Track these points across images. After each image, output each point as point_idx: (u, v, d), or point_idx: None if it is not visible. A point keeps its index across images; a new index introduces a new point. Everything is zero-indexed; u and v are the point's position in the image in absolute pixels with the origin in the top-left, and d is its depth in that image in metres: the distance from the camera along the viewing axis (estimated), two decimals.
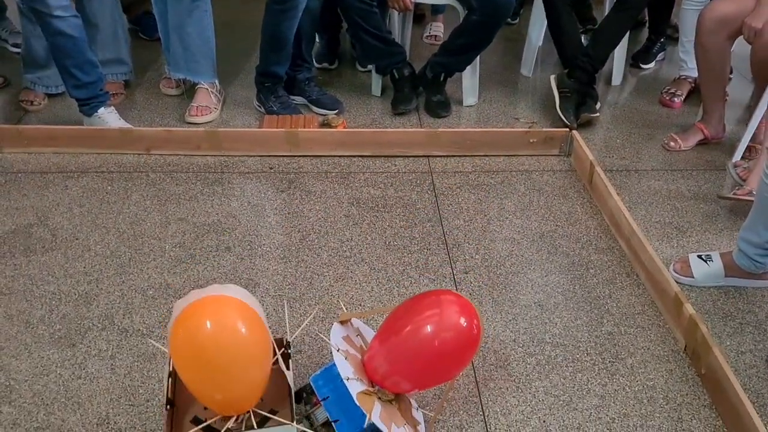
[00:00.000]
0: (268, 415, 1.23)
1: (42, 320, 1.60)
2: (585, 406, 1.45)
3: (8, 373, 1.47)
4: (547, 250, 1.90)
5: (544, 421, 1.41)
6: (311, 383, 1.32)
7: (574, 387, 1.49)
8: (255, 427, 1.20)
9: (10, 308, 1.63)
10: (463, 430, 1.39)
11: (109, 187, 2.11)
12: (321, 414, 1.31)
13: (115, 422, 1.37)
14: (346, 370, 1.24)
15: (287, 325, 1.39)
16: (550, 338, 1.61)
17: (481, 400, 1.45)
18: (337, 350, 1.26)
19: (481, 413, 1.43)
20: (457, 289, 1.73)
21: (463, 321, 1.22)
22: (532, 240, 1.93)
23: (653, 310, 1.70)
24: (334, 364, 1.25)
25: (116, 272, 1.76)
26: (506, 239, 1.93)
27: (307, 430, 1.24)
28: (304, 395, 1.34)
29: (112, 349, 1.54)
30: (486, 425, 1.40)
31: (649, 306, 1.72)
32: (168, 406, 1.23)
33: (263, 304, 1.66)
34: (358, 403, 1.21)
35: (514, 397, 1.46)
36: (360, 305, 1.68)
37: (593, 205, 2.09)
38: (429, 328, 1.22)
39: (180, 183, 2.14)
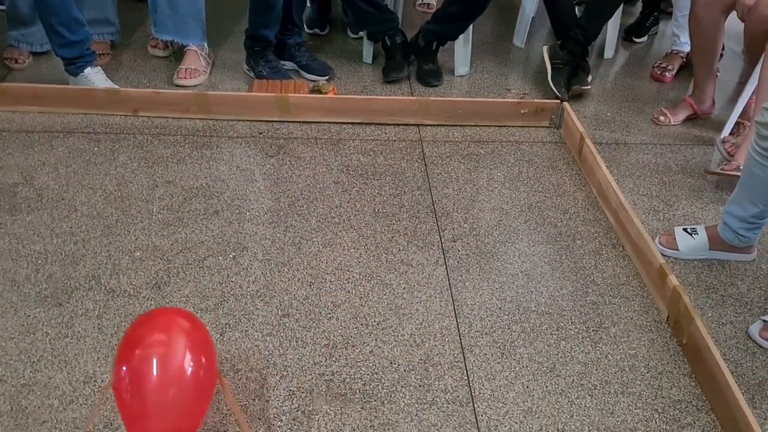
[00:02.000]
0: None
1: (28, 279, 1.60)
2: (568, 372, 1.48)
3: None
4: (535, 220, 1.91)
5: (527, 387, 1.44)
6: None
7: (557, 354, 1.52)
8: None
9: None
10: (448, 393, 1.41)
11: (95, 148, 2.09)
12: None
13: (102, 380, 1.38)
14: None
15: None
16: (535, 307, 1.63)
17: (466, 366, 1.47)
18: None
19: (465, 378, 1.45)
20: (444, 258, 1.74)
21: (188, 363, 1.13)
22: (520, 210, 1.94)
23: (638, 281, 1.73)
24: None
25: (103, 233, 1.75)
26: (495, 209, 1.94)
27: None
28: None
29: (99, 309, 1.53)
30: (471, 390, 1.42)
31: (634, 277, 1.74)
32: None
33: (251, 270, 1.66)
34: None
35: (498, 363, 1.49)
36: (348, 270, 1.69)
37: (582, 177, 2.10)
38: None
39: (168, 146, 2.12)
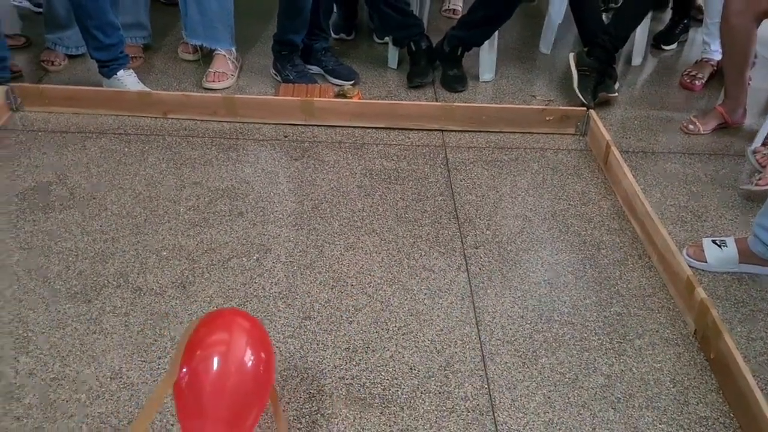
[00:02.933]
0: None
1: (59, 276, 1.63)
2: (591, 384, 1.46)
3: (26, 325, 1.50)
4: (558, 228, 1.90)
5: (548, 397, 1.43)
6: None
7: (580, 365, 1.51)
8: None
9: (29, 263, 1.66)
10: (468, 401, 1.41)
11: (126, 149, 2.13)
12: None
13: (128, 377, 1.40)
14: None
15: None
16: (558, 316, 1.62)
17: (486, 374, 1.47)
18: None
19: (486, 386, 1.44)
20: (466, 264, 1.74)
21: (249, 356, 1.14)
22: (543, 218, 1.94)
23: (664, 293, 1.71)
24: None
25: (131, 232, 1.78)
26: (518, 216, 1.94)
27: None
28: None
29: (127, 306, 1.56)
30: (491, 398, 1.42)
31: (660, 289, 1.72)
32: None
33: (274, 272, 1.68)
34: None
35: (519, 372, 1.48)
36: (369, 274, 1.69)
37: (607, 186, 2.09)
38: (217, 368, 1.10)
39: (196, 147, 2.15)
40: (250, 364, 1.13)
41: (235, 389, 1.11)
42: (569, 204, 2.00)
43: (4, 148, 2.09)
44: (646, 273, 1.76)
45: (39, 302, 1.56)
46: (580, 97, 2.43)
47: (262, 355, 1.16)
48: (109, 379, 1.40)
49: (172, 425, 1.31)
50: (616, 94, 2.52)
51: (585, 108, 2.34)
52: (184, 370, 1.12)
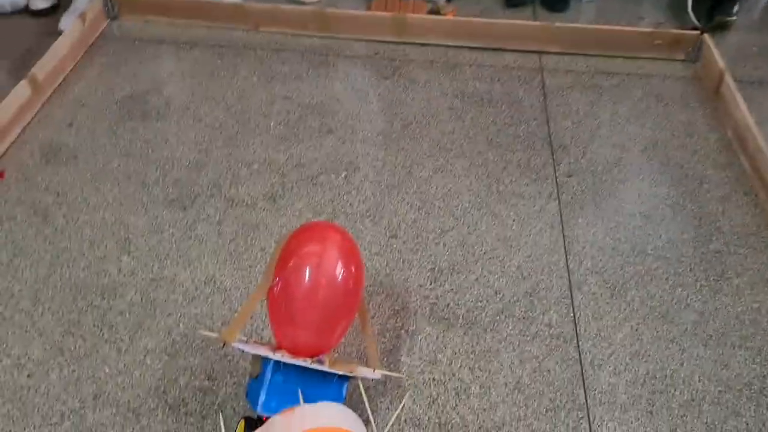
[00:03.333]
0: None
1: (156, 182, 1.70)
2: (682, 320, 1.42)
3: (127, 228, 1.58)
4: (659, 160, 1.80)
5: (636, 330, 1.40)
6: (264, 413, 1.12)
7: (672, 300, 1.46)
8: None
9: (129, 169, 1.74)
10: (552, 328, 1.39)
11: (218, 62, 2.15)
12: None
13: (221, 282, 1.47)
14: (285, 358, 1.11)
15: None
16: (652, 250, 1.56)
17: (572, 303, 1.45)
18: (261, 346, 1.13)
19: (571, 315, 1.42)
20: (558, 192, 1.69)
21: (340, 269, 1.12)
22: (643, 148, 1.84)
23: None
24: (264, 381, 1.12)
25: (224, 144, 1.82)
26: (616, 145, 1.85)
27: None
28: None
29: (220, 215, 1.62)
30: (576, 327, 1.40)
31: (765, 227, 1.62)
32: None
33: (362, 190, 1.69)
34: (333, 370, 1.12)
35: (607, 303, 1.45)
36: (458, 197, 1.68)
37: (717, 118, 1.95)
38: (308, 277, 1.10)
39: (286, 62, 2.15)
40: (340, 277, 1.15)
41: (325, 301, 1.14)
42: (672, 135, 1.89)
43: (103, 56, 2.15)
44: (751, 211, 1.66)
45: (138, 207, 1.63)
46: (694, 19, 2.26)
47: (353, 268, 1.17)
48: (203, 283, 1.47)
49: (262, 330, 1.37)
50: (735, 17, 2.32)
51: (698, 32, 2.17)
52: (277, 279, 1.15)
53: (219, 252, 1.53)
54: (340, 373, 1.14)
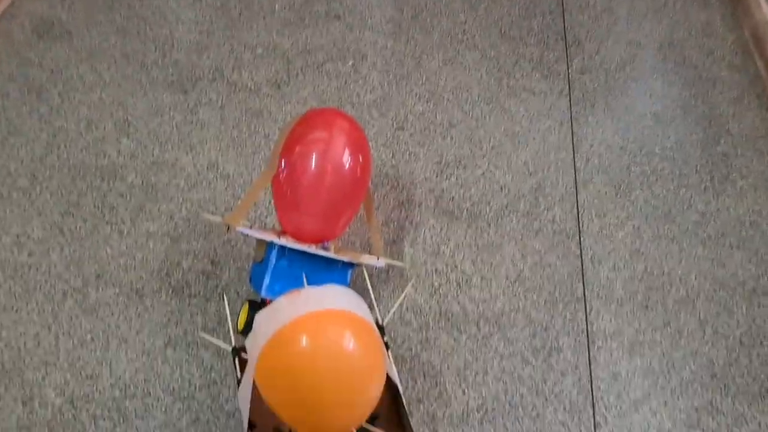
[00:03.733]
0: (370, 427, 0.99)
1: (156, 63, 1.64)
2: (683, 220, 1.43)
3: (126, 109, 1.54)
4: (674, 59, 1.76)
5: (638, 228, 1.41)
6: (268, 296, 1.15)
7: (675, 201, 1.46)
8: None
9: (126, 47, 1.67)
10: (556, 224, 1.40)
11: None
12: None
13: (224, 168, 1.44)
14: (290, 243, 1.11)
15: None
16: (659, 150, 1.55)
17: (577, 199, 1.45)
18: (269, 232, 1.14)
19: (575, 212, 1.43)
20: (569, 89, 1.65)
21: (347, 157, 1.12)
22: (659, 47, 1.79)
23: None
24: (269, 266, 1.13)
25: (227, 25, 1.75)
26: (631, 42, 1.79)
27: None
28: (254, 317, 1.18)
29: (222, 100, 1.57)
30: (579, 223, 1.41)
31: None
32: (250, 430, 1.01)
33: (369, 80, 1.64)
34: (338, 257, 1.13)
35: (611, 202, 1.45)
36: (467, 91, 1.63)
37: (736, 18, 1.88)
38: (315, 163, 1.10)
39: None
40: (347, 164, 1.13)
41: (330, 187, 1.12)
42: (689, 34, 1.83)
43: None
44: (761, 114, 1.64)
45: (137, 88, 1.58)
46: None
47: (360, 157, 1.15)
48: (205, 169, 1.44)
49: (266, 217, 1.37)
50: None
51: None
52: (283, 165, 1.13)
53: (221, 137, 1.50)
54: (345, 259, 1.15)
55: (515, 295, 1.29)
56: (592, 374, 1.20)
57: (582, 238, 1.38)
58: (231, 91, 1.59)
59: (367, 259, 1.20)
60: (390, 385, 1.05)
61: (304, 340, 0.88)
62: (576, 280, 1.32)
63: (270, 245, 1.14)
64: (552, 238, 1.38)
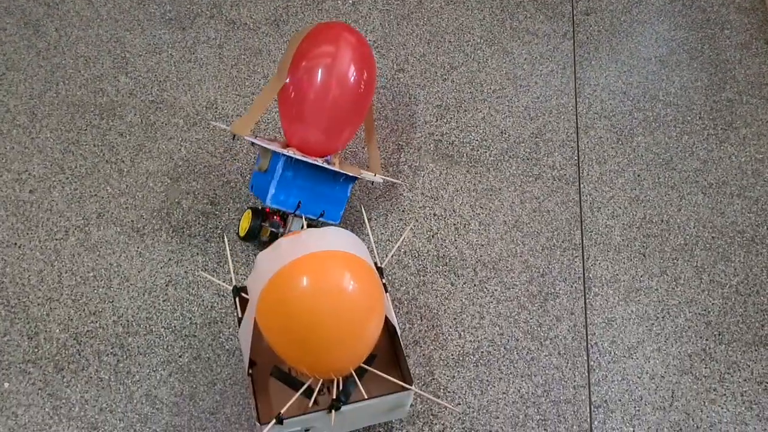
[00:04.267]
0: (368, 368, 1.01)
1: None
2: (684, 167, 1.42)
3: (123, 46, 1.51)
4: (681, 1, 1.71)
5: (638, 175, 1.40)
6: (272, 205, 1.19)
7: (677, 147, 1.45)
8: (357, 384, 0.98)
9: None
10: (555, 170, 1.40)
11: None
12: (296, 223, 1.22)
13: (222, 108, 1.43)
14: (297, 155, 1.15)
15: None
16: (663, 96, 1.53)
17: (578, 145, 1.44)
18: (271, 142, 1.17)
19: (575, 158, 1.42)
20: (573, 31, 1.62)
21: (352, 72, 1.14)
22: None
23: None
24: (275, 175, 1.16)
25: None
26: None
27: (427, 396, 1.09)
28: (259, 223, 1.22)
29: (220, 38, 1.54)
30: (579, 169, 1.40)
31: None
32: (250, 369, 1.02)
33: (370, 19, 1.60)
34: (341, 170, 1.17)
35: (612, 148, 1.44)
36: (469, 32, 1.60)
37: None
38: (321, 78, 1.12)
39: None
40: (352, 79, 1.14)
41: (334, 101, 1.13)
42: None
43: None
44: None
45: (135, 24, 1.55)
46: None
47: (365, 73, 1.15)
48: (204, 108, 1.43)
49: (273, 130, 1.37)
50: None
51: None
52: (289, 78, 1.14)
53: (220, 77, 1.48)
54: (347, 173, 1.18)
55: (513, 240, 1.30)
56: (588, 320, 1.23)
57: (581, 185, 1.38)
58: (229, 29, 1.55)
59: (366, 174, 1.22)
60: (388, 327, 1.07)
61: (305, 280, 0.89)
62: (574, 227, 1.33)
63: (276, 155, 1.17)
64: (551, 184, 1.38)
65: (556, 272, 1.27)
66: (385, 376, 1.00)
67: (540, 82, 1.53)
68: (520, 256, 1.28)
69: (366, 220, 1.12)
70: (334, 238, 0.95)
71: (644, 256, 1.30)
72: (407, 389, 0.99)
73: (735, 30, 1.66)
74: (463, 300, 1.23)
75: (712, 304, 1.26)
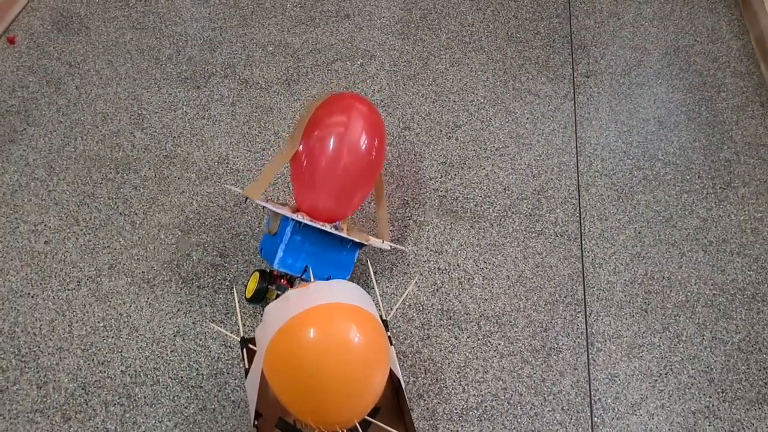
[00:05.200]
0: (371, 420, 1.01)
1: (170, 59, 1.67)
2: (685, 225, 1.45)
3: (140, 103, 1.57)
4: (679, 65, 1.78)
5: (639, 232, 1.43)
6: (279, 269, 1.21)
7: (677, 206, 1.48)
8: None
9: (141, 43, 1.70)
10: (558, 227, 1.43)
11: None
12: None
13: (234, 163, 1.48)
14: (305, 219, 1.18)
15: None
16: (662, 156, 1.57)
17: (579, 202, 1.47)
18: (281, 206, 1.21)
19: (577, 215, 1.45)
20: (574, 93, 1.68)
21: (364, 140, 1.18)
22: (664, 52, 1.81)
23: None
24: (283, 239, 1.19)
25: (239, 23, 1.78)
26: (637, 48, 1.81)
27: None
28: (266, 286, 1.24)
29: (233, 96, 1.60)
30: (581, 226, 1.43)
31: None
32: (256, 421, 1.04)
33: (377, 80, 1.67)
34: (349, 236, 1.19)
35: (613, 205, 1.47)
36: (473, 92, 1.66)
37: (742, 25, 1.90)
38: (333, 146, 1.17)
39: None
40: (363, 147, 1.17)
41: (345, 169, 1.17)
42: (695, 40, 1.85)
43: None
44: (765, 122, 1.66)
45: (152, 83, 1.62)
46: None
47: (376, 141, 1.20)
48: (216, 163, 1.48)
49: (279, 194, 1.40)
50: None
51: None
52: (302, 145, 1.18)
53: (232, 133, 1.53)
54: (355, 240, 1.20)
55: (516, 295, 1.32)
56: (591, 375, 1.23)
57: (583, 241, 1.41)
58: (242, 88, 1.62)
59: (373, 241, 1.25)
60: (392, 379, 1.08)
61: (312, 332, 0.91)
62: (576, 283, 1.35)
63: (285, 220, 1.20)
64: (554, 240, 1.41)
65: (559, 327, 1.28)
66: (389, 429, 1.00)
67: (542, 140, 1.58)
68: (523, 311, 1.30)
69: (372, 273, 1.15)
70: (341, 291, 0.97)
71: (646, 312, 1.32)
72: None
73: (731, 93, 1.72)
74: (467, 354, 1.24)
75: (715, 361, 1.26)
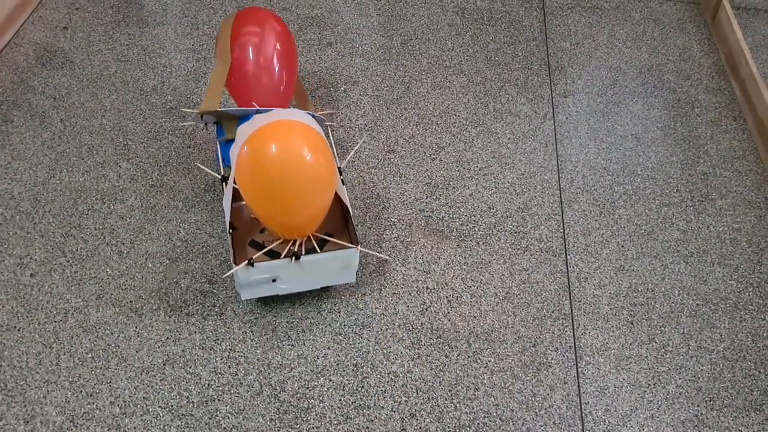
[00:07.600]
0: (327, 237, 1.26)
1: (155, 90, 1.69)
2: (666, 238, 1.48)
3: (126, 134, 1.58)
4: (653, 83, 1.82)
5: (622, 246, 1.46)
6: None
7: (657, 219, 1.51)
8: (317, 250, 1.23)
9: (126, 75, 1.72)
10: (543, 243, 1.45)
11: None
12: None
13: (221, 191, 1.49)
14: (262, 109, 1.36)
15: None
16: (641, 171, 1.61)
17: (563, 218, 1.50)
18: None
19: (561, 231, 1.48)
20: (553, 112, 1.72)
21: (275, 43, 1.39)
22: (639, 71, 1.85)
23: (754, 156, 1.65)
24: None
25: None
26: (612, 68, 1.86)
27: (375, 253, 1.29)
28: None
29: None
30: (565, 242, 1.45)
31: (751, 152, 1.67)
32: (231, 230, 1.26)
33: (361, 104, 1.69)
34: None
35: (596, 220, 1.50)
36: (455, 115, 1.69)
37: (711, 43, 1.96)
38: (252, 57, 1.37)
39: None
40: (279, 47, 1.39)
41: (269, 66, 1.38)
42: (668, 59, 1.90)
43: None
44: (738, 135, 1.70)
45: (137, 114, 1.63)
46: None
47: (285, 39, 1.42)
48: (203, 191, 1.49)
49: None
50: None
51: None
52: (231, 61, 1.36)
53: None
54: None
55: (504, 311, 1.34)
56: (580, 389, 1.24)
57: (568, 256, 1.43)
58: None
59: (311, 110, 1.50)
60: (342, 208, 1.32)
61: (273, 147, 1.12)
62: (563, 297, 1.37)
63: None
64: (539, 256, 1.43)
65: (548, 342, 1.30)
66: (339, 242, 1.24)
67: (524, 159, 1.61)
68: (512, 327, 1.31)
69: (330, 132, 1.16)
70: (300, 115, 1.18)
71: (632, 324, 1.33)
72: (352, 247, 1.23)
73: (704, 108, 1.77)
74: (458, 372, 1.24)
75: (701, 370, 1.28)
